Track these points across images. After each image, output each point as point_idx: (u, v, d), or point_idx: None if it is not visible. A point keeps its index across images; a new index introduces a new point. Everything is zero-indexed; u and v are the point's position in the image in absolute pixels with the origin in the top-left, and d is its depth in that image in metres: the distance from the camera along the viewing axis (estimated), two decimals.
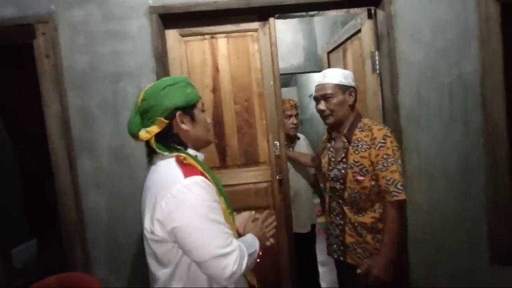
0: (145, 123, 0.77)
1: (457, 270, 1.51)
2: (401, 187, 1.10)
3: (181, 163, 0.74)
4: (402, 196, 1.09)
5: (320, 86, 1.23)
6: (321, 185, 2.08)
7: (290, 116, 1.81)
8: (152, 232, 0.71)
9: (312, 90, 4.82)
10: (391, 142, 1.13)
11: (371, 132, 1.16)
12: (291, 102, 1.84)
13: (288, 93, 5.90)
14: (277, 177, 1.62)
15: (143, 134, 0.76)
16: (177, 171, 0.72)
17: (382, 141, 1.13)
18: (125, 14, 1.45)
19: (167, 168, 0.75)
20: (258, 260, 0.83)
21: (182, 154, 0.76)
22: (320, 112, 1.24)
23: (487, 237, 1.50)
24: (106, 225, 1.48)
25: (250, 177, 1.62)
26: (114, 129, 1.47)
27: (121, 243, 1.48)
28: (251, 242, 0.82)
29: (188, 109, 0.79)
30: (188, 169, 0.72)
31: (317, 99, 1.25)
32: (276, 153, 1.61)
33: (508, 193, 1.47)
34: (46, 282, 1.18)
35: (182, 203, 0.68)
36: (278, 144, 1.61)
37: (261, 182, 1.63)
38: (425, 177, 1.50)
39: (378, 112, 1.60)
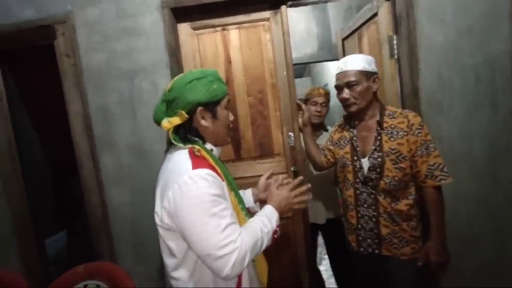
0: (169, 113, 0.78)
1: (483, 261, 1.46)
2: (447, 170, 1.12)
3: (193, 154, 0.75)
4: (449, 179, 1.12)
5: (342, 74, 1.18)
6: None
7: (316, 103, 1.76)
8: (161, 220, 0.73)
9: (326, 80, 4.67)
10: (427, 128, 1.14)
11: (407, 119, 1.14)
12: (320, 90, 1.79)
13: (302, 83, 5.80)
14: (292, 168, 1.61)
15: (165, 123, 0.77)
16: (187, 162, 0.73)
17: (419, 127, 1.12)
18: (138, 10, 1.47)
19: (178, 159, 0.76)
20: (276, 236, 0.80)
21: (197, 146, 0.77)
22: (344, 100, 1.20)
23: None
24: (129, 219, 1.54)
25: (265, 169, 1.62)
26: (132, 126, 1.51)
27: (144, 236, 1.53)
28: (265, 221, 0.78)
29: (210, 106, 0.79)
30: (197, 161, 0.73)
31: (339, 87, 1.21)
32: (291, 145, 1.60)
33: None
34: (76, 271, 1.25)
35: (186, 194, 0.69)
36: (292, 135, 1.59)
37: (276, 174, 1.62)
38: (448, 164, 1.43)
39: (396, 98, 1.54)
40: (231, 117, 0.87)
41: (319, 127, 1.81)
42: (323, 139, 1.83)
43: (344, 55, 2.13)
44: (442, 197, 1.15)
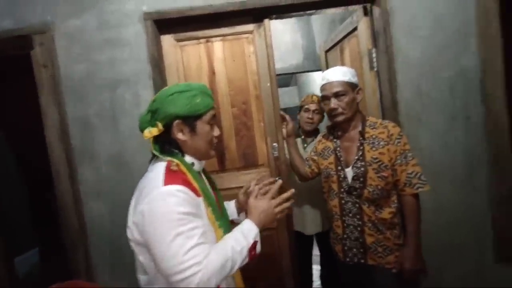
0: (151, 123, 0.79)
1: (464, 269, 1.48)
2: (424, 179, 1.15)
3: (168, 169, 0.74)
4: (426, 188, 1.15)
5: (329, 84, 1.21)
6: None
7: (308, 110, 1.76)
8: (132, 235, 0.73)
9: (312, 90, 4.77)
10: (405, 137, 1.18)
11: (386, 129, 1.18)
12: (313, 97, 1.79)
13: (289, 93, 5.88)
14: (276, 179, 1.60)
15: (146, 132, 0.78)
16: (159, 178, 0.72)
17: (398, 137, 1.16)
18: (120, 22, 1.46)
19: (153, 173, 0.75)
20: (253, 253, 0.75)
21: (175, 160, 0.76)
22: (331, 110, 1.21)
23: (493, 234, 1.47)
24: (108, 233, 1.48)
25: (249, 180, 1.59)
26: (113, 137, 1.48)
27: (123, 250, 1.48)
28: (239, 238, 0.73)
29: (189, 120, 0.78)
30: (170, 177, 0.72)
31: (326, 98, 1.22)
32: (275, 155, 1.60)
33: None
34: None
35: (153, 211, 0.68)
36: (276, 146, 1.60)
37: (263, 179, 1.62)
38: (428, 174, 1.47)
39: (377, 110, 1.58)
40: (216, 132, 0.85)
41: (311, 134, 1.82)
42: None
43: (327, 67, 2.19)
44: (419, 205, 1.18)
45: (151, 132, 0.77)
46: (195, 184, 0.75)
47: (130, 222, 0.74)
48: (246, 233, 0.76)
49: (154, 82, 1.46)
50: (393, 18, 1.46)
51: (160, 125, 0.76)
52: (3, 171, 1.73)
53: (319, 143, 1.38)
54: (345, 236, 1.23)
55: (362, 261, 1.20)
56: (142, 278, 0.76)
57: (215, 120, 0.84)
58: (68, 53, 1.45)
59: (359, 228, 1.19)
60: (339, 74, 1.20)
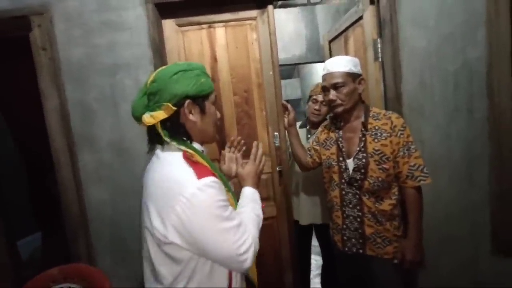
0: (151, 107, 0.72)
1: (460, 260, 1.50)
2: (427, 171, 1.15)
3: (190, 161, 0.70)
4: (428, 180, 1.14)
5: (329, 75, 1.19)
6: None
7: (316, 101, 1.68)
8: (165, 236, 0.67)
9: (315, 81, 4.76)
10: (408, 129, 1.17)
11: (390, 120, 1.16)
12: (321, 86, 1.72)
13: (291, 84, 5.84)
14: (277, 168, 1.61)
15: (147, 118, 0.70)
16: (189, 171, 0.68)
17: (402, 128, 1.15)
18: (121, 4, 1.42)
19: (175, 165, 0.71)
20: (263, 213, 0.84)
21: (189, 150, 0.72)
22: (330, 102, 1.20)
23: (490, 227, 1.48)
24: (109, 218, 1.49)
25: None
26: (113, 123, 1.46)
27: (124, 236, 1.49)
28: (253, 206, 0.82)
29: (199, 99, 0.74)
30: (199, 169, 0.69)
31: (326, 89, 1.21)
32: (276, 145, 1.60)
33: None
34: (50, 273, 1.20)
35: (198, 207, 0.66)
36: (278, 135, 1.59)
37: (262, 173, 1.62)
38: (429, 167, 1.47)
39: (380, 101, 1.57)
40: (218, 115, 0.83)
41: (318, 125, 1.67)
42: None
43: (330, 57, 2.15)
44: (421, 197, 1.18)
45: (155, 116, 0.70)
46: (216, 173, 0.73)
47: (158, 224, 0.67)
48: (255, 197, 0.84)
49: (155, 68, 1.43)
50: (400, 6, 1.43)
51: (170, 106, 0.70)
52: (4, 155, 1.72)
53: (321, 133, 1.37)
54: (344, 226, 1.24)
55: (361, 251, 1.21)
56: (170, 269, 0.70)
57: (216, 103, 0.83)
58: (67, 35, 1.42)
59: (358, 219, 1.20)
60: (339, 64, 1.18)
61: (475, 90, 1.44)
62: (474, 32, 1.42)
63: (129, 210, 1.48)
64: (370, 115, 1.20)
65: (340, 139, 1.24)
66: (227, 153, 1.01)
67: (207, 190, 0.66)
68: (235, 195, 0.83)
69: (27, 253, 1.62)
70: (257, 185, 0.89)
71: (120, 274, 1.49)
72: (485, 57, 1.42)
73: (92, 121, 1.46)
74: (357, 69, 1.19)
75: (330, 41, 2.14)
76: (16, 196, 1.77)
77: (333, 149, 1.27)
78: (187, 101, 0.72)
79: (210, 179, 0.68)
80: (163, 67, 0.76)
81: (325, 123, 1.39)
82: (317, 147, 1.36)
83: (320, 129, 1.40)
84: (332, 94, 1.18)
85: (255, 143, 0.95)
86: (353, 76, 1.18)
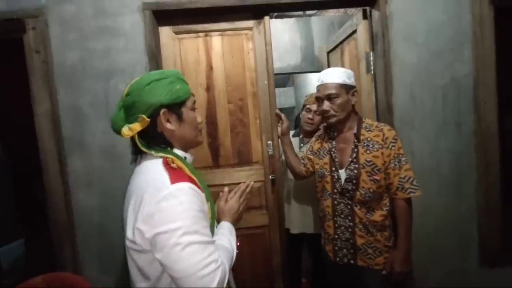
0: (129, 119, 0.72)
1: (448, 271, 1.52)
2: (417, 184, 1.16)
3: (168, 166, 0.70)
4: (418, 192, 1.15)
5: (323, 86, 1.21)
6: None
7: (309, 110, 1.69)
8: (133, 242, 0.66)
9: (309, 90, 4.80)
10: (400, 141, 1.18)
11: (382, 132, 1.18)
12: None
13: (285, 93, 5.90)
14: (270, 177, 1.61)
15: (126, 131, 0.71)
16: (164, 176, 0.67)
17: (393, 141, 1.17)
18: (118, 10, 1.43)
19: (152, 171, 0.70)
20: (237, 251, 0.80)
21: (170, 156, 0.72)
22: (323, 112, 1.22)
23: (478, 239, 1.51)
24: (97, 225, 1.46)
25: (243, 176, 1.61)
26: (105, 128, 1.45)
27: (113, 243, 1.46)
28: (230, 238, 0.78)
29: (174, 107, 0.73)
30: (175, 174, 0.68)
31: (319, 99, 1.23)
32: (270, 153, 1.60)
33: (499, 196, 1.49)
34: (33, 282, 1.16)
35: (166, 211, 0.63)
36: (271, 144, 1.60)
37: (254, 182, 1.61)
38: (418, 178, 1.50)
39: (372, 113, 1.60)
40: (199, 119, 0.81)
41: (311, 135, 1.65)
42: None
43: (329, 67, 2.20)
44: (411, 209, 1.19)
45: (132, 128, 0.70)
46: (196, 179, 0.72)
47: (129, 231, 0.66)
48: (233, 232, 0.82)
49: None
50: (391, 22, 1.48)
51: (145, 118, 0.69)
52: None
53: (315, 143, 1.38)
54: (336, 236, 1.24)
55: (352, 261, 1.21)
56: (142, 286, 0.70)
57: (196, 107, 0.81)
58: (62, 39, 1.41)
59: (350, 229, 1.20)
60: (333, 76, 1.20)
61: (463, 105, 1.49)
62: (461, 49, 1.48)
63: (118, 217, 1.42)
64: (363, 127, 1.22)
65: (333, 150, 1.26)
66: (226, 190, 0.93)
67: (180, 196, 0.64)
68: (214, 208, 0.80)
69: (8, 261, 1.56)
70: (235, 222, 0.86)
71: (107, 283, 1.45)
72: (472, 74, 1.47)
73: (83, 126, 1.44)
74: (350, 81, 1.21)
75: (329, 52, 2.18)
76: (0, 202, 1.71)
77: (326, 159, 1.28)
78: (162, 110, 0.72)
79: (185, 185, 0.66)
80: (136, 78, 0.75)
81: (319, 132, 1.40)
82: (311, 156, 1.38)
83: (314, 138, 1.42)
84: (326, 104, 1.20)
85: (248, 182, 0.93)
86: (346, 88, 1.20)
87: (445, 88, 1.49)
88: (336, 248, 1.24)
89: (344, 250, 1.22)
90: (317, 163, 1.32)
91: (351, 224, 1.20)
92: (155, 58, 1.46)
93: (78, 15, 1.41)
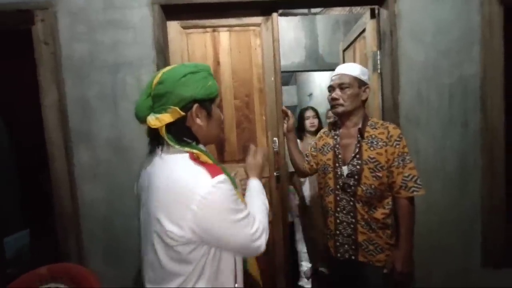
0: (156, 109, 0.70)
1: (451, 271, 1.53)
2: (420, 183, 1.15)
3: (198, 161, 0.70)
4: (422, 191, 1.15)
5: (338, 76, 1.23)
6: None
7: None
8: (183, 236, 0.66)
9: (311, 89, 4.78)
10: (405, 140, 1.18)
11: (387, 130, 1.18)
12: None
13: (288, 91, 5.90)
14: (275, 173, 1.61)
15: (153, 120, 0.68)
16: (201, 171, 0.68)
17: (398, 139, 1.16)
18: (127, 4, 1.43)
19: (184, 167, 0.69)
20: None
21: (195, 151, 0.71)
22: (333, 100, 1.24)
23: (481, 238, 1.51)
24: (102, 217, 1.46)
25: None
26: (112, 120, 1.45)
27: (118, 235, 1.46)
28: (261, 197, 0.86)
29: (206, 103, 0.73)
30: (211, 168, 0.69)
31: (332, 88, 1.25)
32: (275, 150, 1.61)
33: (504, 196, 1.49)
34: (38, 272, 1.16)
35: (214, 203, 0.66)
36: (277, 140, 1.60)
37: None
38: (423, 177, 1.49)
39: (378, 111, 1.60)
40: (222, 117, 0.83)
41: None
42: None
43: None
44: (413, 209, 1.18)
45: (160, 119, 0.68)
46: (221, 168, 0.73)
47: (171, 226, 0.66)
48: (261, 188, 0.89)
49: (158, 68, 1.44)
50: (400, 21, 1.48)
51: (178, 111, 0.68)
52: None
53: (319, 139, 1.38)
54: (337, 232, 1.25)
55: (353, 257, 1.22)
56: (183, 269, 0.70)
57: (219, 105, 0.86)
58: (70, 31, 1.42)
59: (352, 226, 1.21)
60: (349, 68, 1.23)
61: (470, 104, 1.49)
62: (469, 48, 1.48)
63: (124, 210, 1.45)
64: (368, 124, 1.22)
65: (337, 146, 1.26)
66: (252, 146, 1.03)
67: (222, 186, 0.67)
68: (239, 193, 0.84)
69: (13, 251, 1.57)
70: (261, 176, 0.94)
71: (111, 275, 1.46)
72: (480, 73, 1.47)
73: (90, 118, 1.45)
74: (365, 77, 1.24)
75: (344, 50, 2.19)
76: (6, 192, 1.72)
77: (330, 154, 1.28)
78: (195, 106, 0.71)
79: (222, 177, 0.68)
80: (168, 67, 0.74)
81: (324, 129, 1.41)
82: (315, 153, 1.38)
83: (318, 135, 1.42)
84: (336, 92, 1.22)
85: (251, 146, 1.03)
86: (359, 82, 1.22)
87: (452, 87, 1.49)
88: (338, 244, 1.25)
89: (346, 246, 1.23)
90: (320, 159, 1.32)
91: (353, 220, 1.20)
92: (162, 52, 1.47)
93: (87, 8, 1.42)
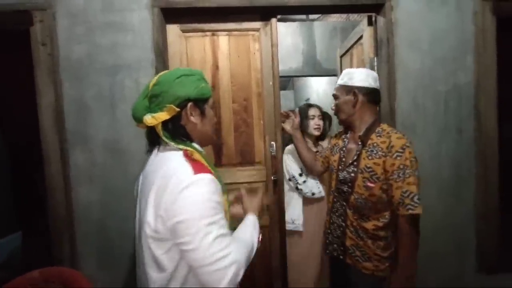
0: (153, 109, 0.74)
1: (446, 276, 1.54)
2: (417, 201, 1.03)
3: (189, 158, 0.71)
4: (417, 210, 1.02)
5: (335, 86, 1.27)
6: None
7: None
8: (155, 229, 0.67)
9: (308, 94, 4.83)
10: (410, 152, 1.06)
11: (389, 139, 1.09)
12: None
13: (285, 96, 5.92)
14: (272, 177, 1.61)
15: (149, 119, 0.72)
16: (186, 167, 0.69)
17: (400, 150, 1.05)
18: (126, 6, 1.43)
19: (174, 162, 0.71)
20: (258, 245, 0.82)
21: (189, 148, 0.73)
22: (333, 110, 1.29)
23: (475, 245, 1.53)
24: (97, 220, 1.44)
25: (245, 176, 1.61)
26: (109, 123, 1.44)
27: (112, 239, 1.44)
28: (253, 232, 0.81)
29: (199, 103, 0.77)
30: (197, 165, 0.70)
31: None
32: (272, 154, 1.61)
33: (497, 203, 1.51)
34: (30, 276, 1.14)
35: (187, 200, 0.65)
36: (274, 144, 1.61)
37: (256, 182, 1.62)
38: None
39: None
40: (215, 119, 0.87)
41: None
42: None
43: (341, 71, 2.23)
44: (414, 230, 1.05)
45: (157, 117, 0.72)
46: (214, 172, 0.73)
47: (150, 217, 0.68)
48: (256, 225, 0.84)
49: (157, 71, 1.44)
50: (396, 29, 1.50)
51: (174, 107, 0.72)
52: None
53: (334, 139, 1.38)
54: (329, 231, 1.28)
55: (341, 257, 1.22)
56: (157, 276, 0.70)
57: (214, 108, 0.86)
58: (69, 32, 1.41)
59: (341, 229, 1.21)
60: (340, 77, 1.25)
61: (464, 112, 1.52)
62: (463, 57, 1.51)
63: (119, 213, 1.44)
64: (376, 131, 1.15)
65: (344, 148, 1.25)
66: (243, 190, 0.97)
67: (202, 185, 0.67)
68: (228, 201, 0.82)
69: (4, 254, 1.53)
70: (258, 213, 0.90)
71: (105, 279, 1.43)
72: (473, 81, 1.50)
73: (87, 119, 1.43)
74: (351, 81, 1.18)
75: (341, 56, 2.21)
76: None
77: (337, 156, 1.28)
78: (189, 104, 0.75)
79: (206, 176, 0.69)
80: (165, 71, 0.80)
81: (340, 129, 1.40)
82: (328, 153, 1.42)
83: (334, 135, 1.42)
84: (333, 103, 1.27)
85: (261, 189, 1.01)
86: (346, 89, 1.19)
87: (447, 94, 1.51)
88: (328, 241, 1.28)
89: (335, 245, 1.25)
90: (331, 159, 1.33)
91: (343, 224, 1.20)
92: (161, 55, 1.47)
93: (86, 9, 1.42)
